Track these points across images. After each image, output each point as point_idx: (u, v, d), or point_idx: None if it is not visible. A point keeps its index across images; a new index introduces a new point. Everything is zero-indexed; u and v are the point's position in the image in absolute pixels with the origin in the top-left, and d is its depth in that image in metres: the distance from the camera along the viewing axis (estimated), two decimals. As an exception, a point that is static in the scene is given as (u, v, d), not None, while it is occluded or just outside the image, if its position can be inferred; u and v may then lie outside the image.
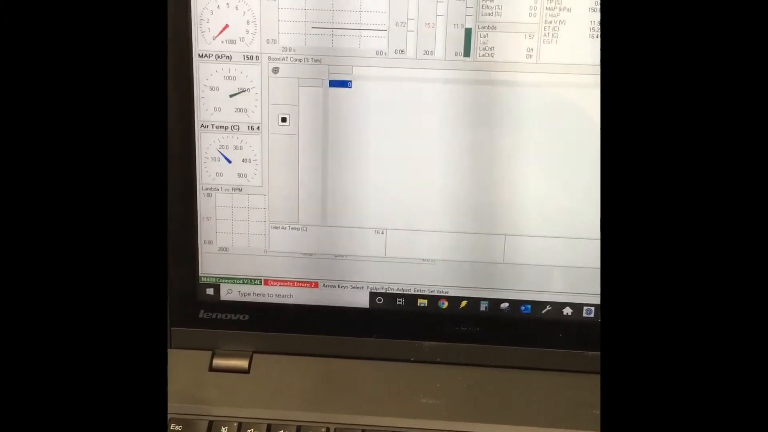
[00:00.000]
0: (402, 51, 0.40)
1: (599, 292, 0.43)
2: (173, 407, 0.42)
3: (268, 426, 0.42)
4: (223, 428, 0.41)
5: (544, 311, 0.44)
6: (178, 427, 0.41)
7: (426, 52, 0.40)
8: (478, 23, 0.40)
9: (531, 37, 0.40)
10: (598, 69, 0.40)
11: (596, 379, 0.43)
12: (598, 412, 0.42)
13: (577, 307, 0.44)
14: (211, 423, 0.42)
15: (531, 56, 0.40)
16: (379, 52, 0.40)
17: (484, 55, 0.40)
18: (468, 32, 0.40)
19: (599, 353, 0.43)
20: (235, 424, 0.42)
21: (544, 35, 0.39)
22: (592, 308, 0.44)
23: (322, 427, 0.42)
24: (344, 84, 0.41)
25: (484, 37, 0.40)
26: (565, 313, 0.44)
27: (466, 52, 0.40)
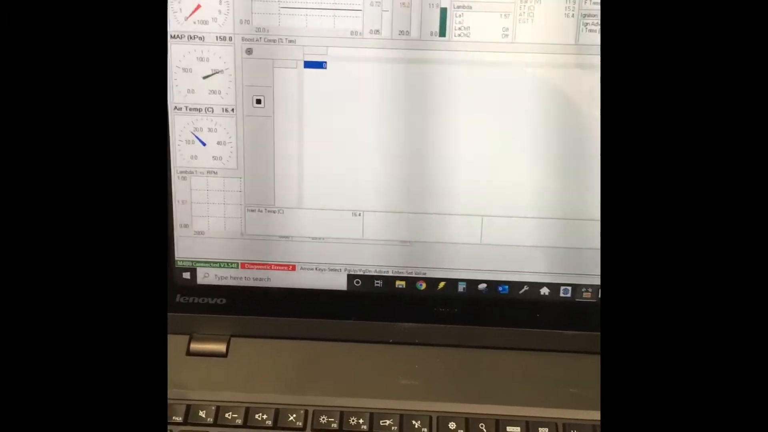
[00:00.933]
0: (377, 31, 0.40)
1: (576, 272, 0.43)
2: (151, 392, 0.42)
3: (247, 409, 0.41)
4: (200, 412, 0.41)
5: (521, 291, 0.44)
6: (155, 412, 0.41)
7: (401, 32, 0.40)
8: (453, 3, 0.39)
9: (507, 16, 0.39)
10: (574, 48, 0.40)
11: (574, 358, 0.44)
12: (575, 390, 0.42)
13: (555, 287, 0.44)
14: (188, 407, 0.41)
15: (507, 36, 0.40)
16: (354, 33, 0.40)
17: (459, 35, 0.40)
18: (443, 12, 0.39)
19: (576, 332, 0.44)
20: (213, 408, 0.41)
21: (520, 15, 0.39)
22: (569, 288, 0.44)
23: (301, 409, 0.41)
24: (319, 65, 0.40)
25: (460, 16, 0.39)
26: (542, 293, 0.44)
27: (442, 32, 0.40)
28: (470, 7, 0.39)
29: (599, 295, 0.44)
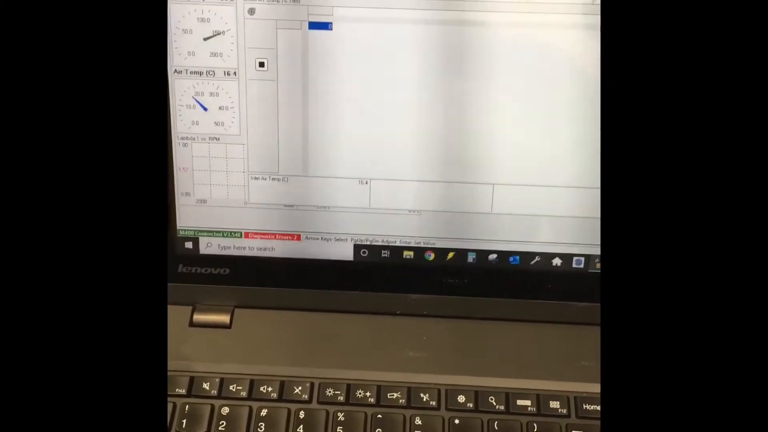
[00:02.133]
0: (385, -10, 0.38)
1: (589, 242, 0.42)
2: (153, 364, 0.41)
3: (251, 381, 0.41)
4: (204, 384, 0.40)
5: (533, 262, 0.43)
6: (158, 384, 0.40)
7: (410, -8, 0.38)
8: (465, -40, 0.37)
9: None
10: (581, 8, 0.38)
11: (586, 331, 0.43)
12: (586, 363, 0.41)
13: (567, 258, 0.43)
14: (192, 379, 0.41)
15: (520, -5, 0.38)
16: (361, -8, 0.38)
17: (471, -5, 0.38)
18: (455, -31, 0.38)
19: (589, 304, 0.43)
20: (217, 380, 0.41)
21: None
22: (582, 258, 0.43)
23: (307, 381, 0.41)
24: (324, 26, 0.39)
25: (472, -26, 0.38)
26: (554, 264, 0.43)
27: (453, -9, 0.38)
28: (483, -35, 0.38)
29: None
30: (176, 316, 0.43)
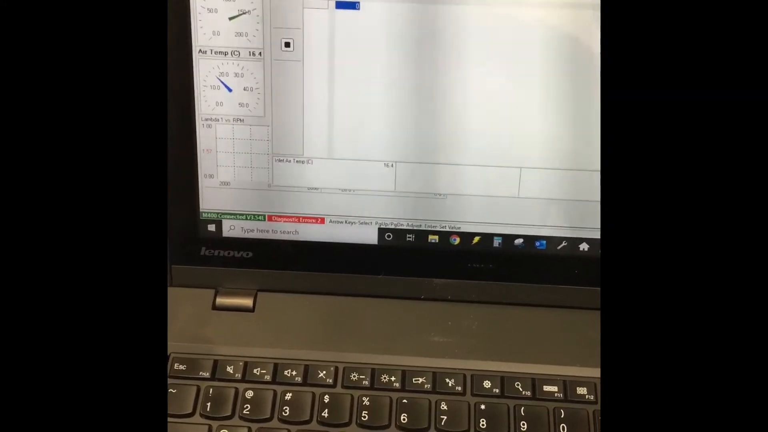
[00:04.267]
0: (414, -32, 0.37)
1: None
2: (176, 346, 0.41)
3: (275, 365, 0.40)
4: (228, 367, 0.40)
5: (560, 247, 0.42)
6: (182, 367, 0.40)
7: (440, -30, 0.37)
8: (496, -62, 0.37)
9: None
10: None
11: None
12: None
13: (595, 243, 0.42)
14: (216, 362, 0.40)
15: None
16: (389, -30, 0.37)
17: (502, -26, 0.37)
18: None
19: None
20: (241, 364, 0.40)
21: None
22: (610, 244, 0.42)
23: (331, 366, 0.40)
24: (352, 6, 0.38)
25: (503, -47, 0.37)
26: (581, 249, 0.42)
27: (484, -30, 0.37)
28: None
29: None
30: (199, 299, 0.43)
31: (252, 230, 0.43)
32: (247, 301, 0.43)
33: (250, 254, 0.43)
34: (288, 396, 0.39)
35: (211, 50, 0.39)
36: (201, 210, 0.43)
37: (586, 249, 0.42)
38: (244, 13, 0.39)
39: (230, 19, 0.39)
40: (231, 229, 0.43)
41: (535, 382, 0.40)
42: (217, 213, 0.43)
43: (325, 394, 0.39)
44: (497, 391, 0.40)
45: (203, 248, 0.43)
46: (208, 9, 0.38)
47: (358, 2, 0.38)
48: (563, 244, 0.42)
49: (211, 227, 0.43)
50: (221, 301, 0.43)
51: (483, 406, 0.39)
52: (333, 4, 0.38)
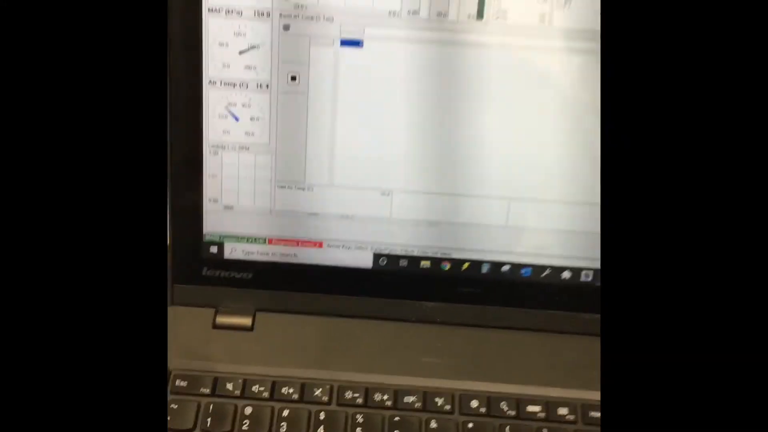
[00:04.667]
0: (416, 12, 0.40)
1: (597, 257, 0.44)
2: (177, 363, 0.43)
3: (273, 383, 0.42)
4: (228, 384, 0.42)
5: (543, 274, 0.45)
6: (183, 383, 0.42)
7: (439, 14, 0.40)
8: (492, -14, 0.39)
9: (545, 0, 0.40)
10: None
11: (593, 341, 0.45)
12: (596, 372, 0.43)
13: (576, 271, 0.45)
14: (216, 379, 0.42)
15: (544, 21, 0.40)
16: (392, 13, 0.40)
17: (497, 18, 0.40)
18: (482, -5, 0.40)
19: (596, 315, 0.45)
20: (240, 381, 0.42)
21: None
22: (591, 272, 0.45)
23: (326, 384, 0.42)
24: (356, 43, 0.41)
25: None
26: (563, 277, 0.45)
27: (480, 15, 0.40)
28: (509, -9, 0.40)
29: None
30: (200, 317, 0.45)
31: (253, 252, 0.45)
32: (246, 321, 0.45)
33: (250, 275, 0.45)
34: (285, 413, 0.41)
35: (221, 81, 0.41)
36: (204, 232, 0.44)
37: (568, 277, 0.45)
38: (253, 48, 0.41)
39: (240, 53, 0.41)
40: (232, 251, 0.45)
41: (519, 403, 0.42)
42: (220, 235, 0.45)
43: (320, 411, 0.41)
44: (484, 410, 0.42)
45: (205, 268, 0.45)
46: (219, 43, 0.41)
47: (362, 41, 0.41)
48: (547, 271, 0.45)
49: (214, 249, 0.45)
50: (221, 320, 0.45)
51: (470, 425, 0.41)
52: (338, 41, 0.41)
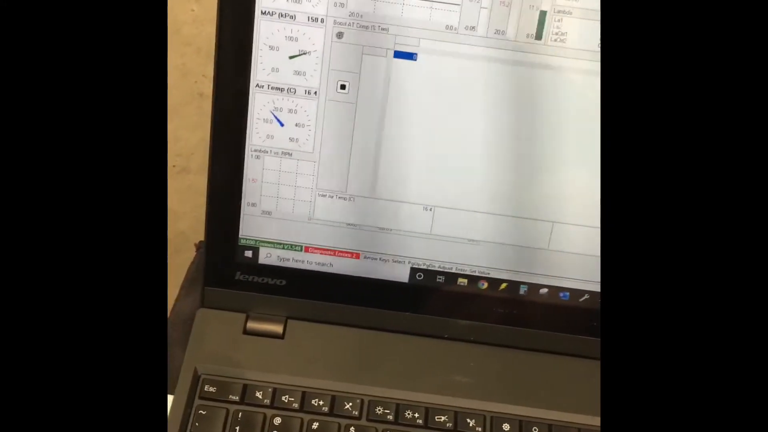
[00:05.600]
0: (473, 28, 0.39)
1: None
2: (207, 368, 0.42)
3: (303, 394, 0.42)
4: (257, 392, 0.41)
5: (581, 299, 0.44)
6: (212, 389, 0.41)
7: (497, 32, 0.39)
8: (553, 6, 0.38)
9: (606, 25, 0.39)
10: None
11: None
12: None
13: (614, 298, 0.44)
14: (245, 386, 0.42)
15: (603, 45, 0.39)
16: (449, 27, 0.39)
17: (555, 40, 0.39)
18: (543, 15, 0.39)
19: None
20: (270, 390, 0.42)
21: (619, 25, 0.39)
22: (629, 300, 0.44)
23: (357, 398, 0.42)
24: (409, 56, 0.40)
25: (558, 21, 0.39)
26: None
27: (538, 35, 0.39)
28: (570, 13, 0.39)
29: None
30: (230, 322, 0.44)
31: (288, 259, 0.44)
32: (278, 328, 0.44)
33: (284, 282, 0.44)
34: (315, 425, 0.41)
35: (269, 85, 0.40)
36: (240, 236, 0.44)
37: (606, 303, 0.44)
38: (304, 54, 0.40)
39: (290, 57, 0.40)
40: (267, 256, 0.44)
41: (551, 428, 0.42)
42: (256, 240, 0.44)
43: (350, 425, 0.41)
44: (515, 434, 0.41)
45: (238, 272, 0.44)
46: (270, 46, 0.40)
47: (416, 54, 0.40)
48: (585, 296, 0.44)
49: (248, 253, 0.44)
50: (252, 326, 0.44)
51: (501, 448, 0.41)
52: (392, 53, 0.40)
